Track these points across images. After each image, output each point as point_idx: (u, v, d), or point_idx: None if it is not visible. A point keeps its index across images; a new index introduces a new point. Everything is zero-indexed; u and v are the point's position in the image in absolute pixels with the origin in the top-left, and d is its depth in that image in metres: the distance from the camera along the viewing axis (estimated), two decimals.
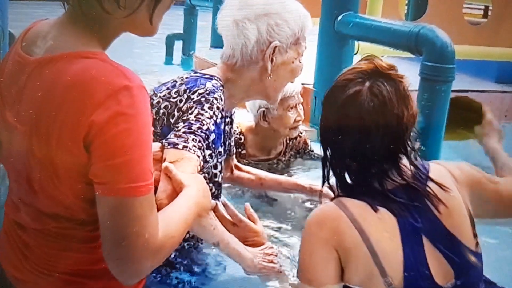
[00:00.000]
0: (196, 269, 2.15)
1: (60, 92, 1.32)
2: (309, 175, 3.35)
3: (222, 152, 2.18)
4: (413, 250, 1.67)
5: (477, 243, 1.76)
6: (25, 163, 1.42)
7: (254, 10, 2.13)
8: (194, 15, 9.23)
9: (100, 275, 1.47)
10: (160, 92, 2.10)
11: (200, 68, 2.25)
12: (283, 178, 2.88)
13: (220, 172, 2.17)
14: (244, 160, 3.20)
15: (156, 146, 1.88)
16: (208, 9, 8.14)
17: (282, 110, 3.28)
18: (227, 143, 2.32)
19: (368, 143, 1.71)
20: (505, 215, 1.91)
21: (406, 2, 9.14)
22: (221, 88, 2.09)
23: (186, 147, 1.89)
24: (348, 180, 1.80)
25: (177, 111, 2.01)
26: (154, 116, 2.04)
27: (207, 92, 2.01)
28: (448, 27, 4.25)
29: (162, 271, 2.09)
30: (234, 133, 2.53)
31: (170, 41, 9.31)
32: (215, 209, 1.96)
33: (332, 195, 1.86)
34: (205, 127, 1.95)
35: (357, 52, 4.98)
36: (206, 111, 1.98)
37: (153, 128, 2.00)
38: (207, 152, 1.97)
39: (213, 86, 2.04)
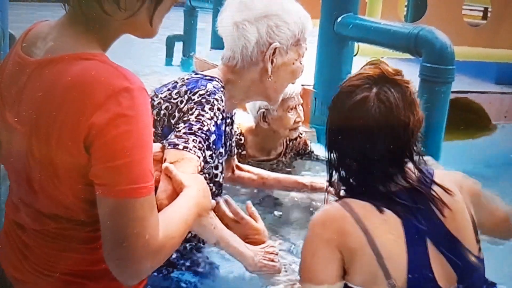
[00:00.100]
0: (198, 270, 2.16)
1: (60, 93, 1.32)
2: (309, 176, 3.34)
3: (223, 152, 2.18)
4: (417, 253, 1.67)
5: (479, 248, 1.76)
6: (25, 163, 1.42)
7: (254, 12, 2.13)
8: (194, 17, 9.23)
9: (100, 276, 1.48)
10: (161, 93, 2.10)
11: (200, 69, 2.25)
12: (283, 176, 2.88)
13: (221, 172, 2.17)
14: (245, 161, 3.20)
15: (156, 146, 1.89)
16: (208, 11, 8.15)
17: (282, 111, 3.28)
18: (228, 144, 2.32)
19: (374, 148, 1.71)
20: (497, 234, 1.92)
21: (406, 3, 9.15)
22: (222, 89, 2.09)
23: (187, 147, 1.89)
24: (353, 182, 1.80)
25: (178, 112, 2.02)
26: (155, 117, 2.05)
27: (208, 93, 2.02)
28: (448, 29, 4.24)
29: (163, 272, 2.09)
30: (234, 133, 2.54)
31: (170, 42, 9.31)
32: (217, 206, 1.96)
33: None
34: (205, 128, 1.95)
35: (357, 53, 4.99)
36: (207, 112, 1.98)
37: (153, 129, 2.01)
38: (208, 152, 1.97)
39: (214, 87, 2.05)
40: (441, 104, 3.58)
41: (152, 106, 2.06)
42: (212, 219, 1.87)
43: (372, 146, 1.72)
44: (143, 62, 8.08)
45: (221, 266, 2.17)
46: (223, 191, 2.30)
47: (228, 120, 2.29)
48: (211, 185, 2.10)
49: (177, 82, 2.12)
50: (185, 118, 1.98)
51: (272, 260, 2.01)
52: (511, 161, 4.72)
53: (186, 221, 1.56)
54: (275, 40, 2.14)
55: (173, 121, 2.01)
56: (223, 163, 2.20)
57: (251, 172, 2.77)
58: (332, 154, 1.82)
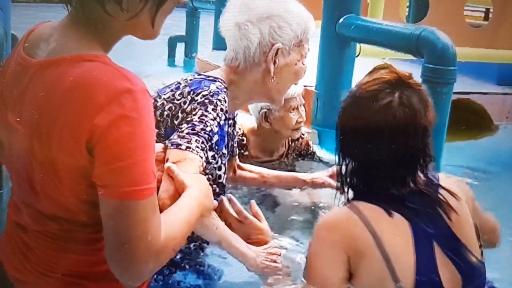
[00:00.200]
0: (201, 270, 2.16)
1: (62, 95, 1.32)
2: None
3: (226, 153, 2.18)
4: (425, 256, 1.67)
5: (481, 252, 1.77)
6: (27, 164, 1.42)
7: (256, 13, 2.13)
8: (196, 17, 9.23)
9: (102, 277, 1.48)
10: (164, 94, 2.10)
11: (202, 70, 2.25)
12: (284, 174, 2.88)
13: (224, 173, 2.17)
14: (247, 162, 3.20)
15: (158, 147, 1.89)
16: (209, 11, 8.15)
17: (284, 112, 3.28)
18: (230, 144, 2.33)
19: (396, 151, 1.71)
20: (485, 244, 1.93)
21: (407, 4, 9.15)
22: (225, 90, 2.09)
23: (189, 148, 1.90)
24: (365, 186, 1.79)
25: (181, 113, 2.02)
26: (158, 118, 2.05)
27: (211, 94, 2.02)
28: (449, 29, 4.25)
29: (165, 272, 2.09)
30: (236, 134, 2.54)
31: (172, 43, 9.32)
32: (220, 205, 1.96)
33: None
34: (208, 129, 1.96)
35: (359, 54, 4.99)
36: (210, 113, 1.98)
37: (157, 130, 2.02)
38: (210, 153, 1.98)
39: (217, 88, 2.05)
40: (443, 105, 3.57)
41: (155, 107, 2.07)
42: (214, 219, 1.87)
43: (394, 150, 1.72)
44: (145, 63, 8.07)
45: (225, 268, 2.17)
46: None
47: (231, 121, 2.29)
48: (214, 185, 2.10)
49: (180, 83, 2.12)
50: (188, 119, 1.98)
51: (275, 261, 2.00)
52: None
53: (188, 221, 1.55)
54: (277, 41, 2.15)
55: (176, 122, 2.02)
56: (226, 164, 2.20)
57: (252, 171, 2.77)
58: (345, 159, 1.81)
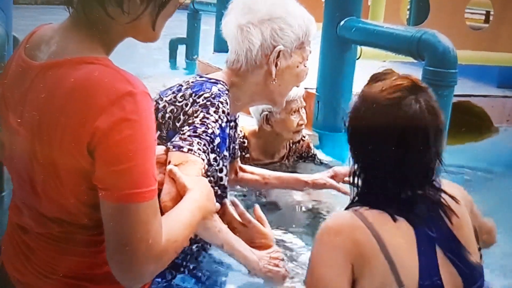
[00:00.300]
0: (202, 275, 2.15)
1: (63, 97, 1.32)
2: None
3: (228, 155, 2.18)
4: (428, 260, 1.66)
5: (480, 255, 1.77)
6: (28, 166, 1.42)
7: (258, 15, 2.14)
8: (197, 20, 9.25)
9: (103, 279, 1.48)
10: (166, 96, 2.10)
11: (203, 72, 2.26)
12: (285, 175, 2.87)
13: (226, 175, 2.17)
14: (248, 164, 3.20)
15: (160, 149, 1.89)
16: (210, 14, 8.16)
17: (285, 114, 3.28)
18: (231, 146, 2.33)
19: (419, 155, 1.72)
20: (482, 244, 1.93)
21: (408, 7, 9.16)
22: (227, 92, 2.09)
23: (191, 150, 1.90)
24: (374, 191, 1.79)
25: (183, 115, 2.02)
26: (160, 120, 2.05)
27: (213, 96, 2.02)
28: (450, 32, 4.25)
29: (167, 275, 2.09)
30: (238, 136, 2.54)
31: (173, 45, 9.33)
32: (223, 209, 1.96)
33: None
34: (210, 131, 1.96)
35: (360, 56, 5.00)
36: (212, 115, 1.98)
37: (159, 132, 2.02)
38: (212, 155, 1.98)
39: (218, 90, 2.05)
40: (443, 108, 3.53)
41: (157, 109, 2.07)
42: (216, 222, 1.87)
43: (419, 154, 1.72)
44: (146, 66, 8.09)
45: (227, 270, 2.17)
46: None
47: (232, 123, 2.29)
48: (216, 188, 2.09)
49: (182, 85, 2.12)
50: (190, 121, 1.98)
51: (277, 266, 2.00)
52: None
53: (189, 224, 1.55)
54: (279, 43, 2.15)
55: (178, 124, 2.02)
56: (228, 166, 2.20)
57: (254, 173, 2.76)
58: (360, 164, 1.80)
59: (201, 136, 1.93)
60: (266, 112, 3.31)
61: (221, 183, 2.15)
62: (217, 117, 1.99)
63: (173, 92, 2.10)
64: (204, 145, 1.93)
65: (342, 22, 4.69)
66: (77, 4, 1.41)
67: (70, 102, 1.31)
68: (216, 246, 1.93)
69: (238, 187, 2.82)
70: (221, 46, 6.74)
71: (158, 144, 1.98)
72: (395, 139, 1.70)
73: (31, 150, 1.38)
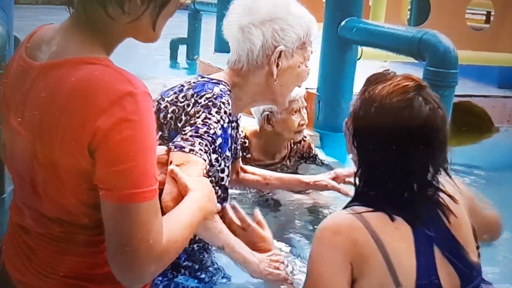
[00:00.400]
0: (203, 275, 2.15)
1: (64, 98, 1.32)
2: None
3: (229, 156, 2.18)
4: (426, 259, 1.67)
5: (478, 254, 1.77)
6: (29, 167, 1.42)
7: (259, 16, 2.14)
8: (198, 20, 9.25)
9: (104, 279, 1.48)
10: (168, 97, 2.10)
11: (204, 73, 2.26)
12: (286, 176, 2.88)
13: (227, 176, 2.16)
14: (249, 164, 3.21)
15: (161, 149, 1.89)
16: (211, 14, 8.16)
17: (286, 114, 3.28)
18: (233, 147, 2.33)
19: (425, 156, 1.72)
20: (486, 238, 1.92)
21: (409, 7, 9.16)
22: (229, 92, 2.09)
23: (193, 150, 1.90)
24: (376, 192, 1.78)
25: (185, 115, 2.02)
26: (162, 120, 2.05)
27: (215, 96, 2.02)
28: (451, 33, 4.26)
29: (168, 275, 2.09)
30: (239, 137, 2.54)
31: (174, 45, 9.34)
32: (224, 212, 1.96)
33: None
34: (212, 131, 1.96)
35: (360, 57, 5.00)
36: (214, 116, 1.99)
37: (160, 132, 2.02)
38: (213, 156, 1.98)
39: (220, 90, 2.05)
40: (444, 108, 3.58)
41: (159, 109, 2.07)
42: (217, 223, 1.86)
43: (427, 154, 1.72)
44: (147, 66, 8.09)
45: (228, 270, 2.16)
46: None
47: (234, 124, 2.29)
48: (217, 188, 2.09)
49: (183, 86, 2.12)
50: (191, 121, 1.98)
51: (278, 268, 1.99)
52: None
53: (190, 225, 1.55)
54: (280, 43, 2.15)
55: (179, 124, 2.02)
56: (229, 166, 2.20)
57: (255, 173, 2.77)
58: (367, 166, 1.80)
59: (203, 136, 1.94)
60: (267, 112, 3.30)
61: (222, 183, 2.15)
62: (219, 117, 1.99)
63: (175, 93, 2.10)
64: (206, 145, 1.93)
65: (343, 23, 4.70)
66: (77, 4, 1.41)
67: (71, 102, 1.31)
68: (217, 247, 1.92)
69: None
70: (222, 46, 6.74)
71: (160, 144, 1.98)
72: (406, 140, 1.70)
73: (32, 150, 1.38)
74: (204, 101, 2.01)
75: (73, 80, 1.32)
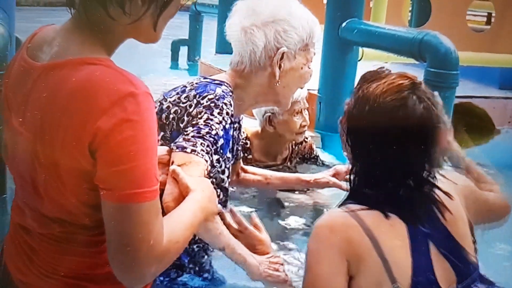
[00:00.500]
0: (205, 274, 2.15)
1: (65, 98, 1.32)
2: None
3: (230, 157, 2.18)
4: (421, 256, 1.67)
5: (475, 249, 1.78)
6: (30, 167, 1.42)
7: (261, 17, 2.14)
8: (199, 21, 9.24)
9: (104, 279, 1.47)
10: (170, 97, 2.11)
11: (206, 74, 2.26)
12: (287, 175, 2.88)
13: (228, 177, 2.17)
14: (250, 165, 3.22)
15: (162, 149, 1.90)
16: (212, 15, 8.16)
17: (287, 115, 3.28)
18: (234, 148, 2.33)
19: (421, 154, 1.72)
20: (495, 220, 1.92)
21: (410, 8, 9.15)
22: (231, 93, 2.10)
23: (195, 151, 1.90)
24: (372, 190, 1.79)
25: (187, 116, 2.02)
26: (164, 121, 2.06)
27: (217, 97, 2.03)
28: (452, 34, 4.26)
29: (171, 275, 2.10)
30: (241, 138, 2.55)
31: (175, 46, 9.32)
32: (222, 218, 1.96)
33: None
34: (214, 132, 1.96)
35: (361, 58, 5.00)
36: (216, 116, 1.99)
37: (162, 133, 2.03)
38: (215, 157, 1.98)
39: (223, 91, 2.06)
40: (445, 109, 3.58)
41: (161, 110, 2.08)
42: (218, 224, 1.87)
43: (424, 152, 1.72)
44: (148, 67, 8.08)
45: (229, 271, 2.17)
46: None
47: (236, 125, 2.30)
48: (218, 189, 2.10)
49: (186, 86, 2.12)
50: (193, 122, 1.99)
51: (277, 270, 2.00)
52: None
53: (191, 225, 1.55)
54: (282, 45, 2.15)
55: (181, 125, 2.02)
56: (230, 167, 2.21)
57: (255, 173, 2.77)
58: (361, 163, 1.80)
59: (205, 137, 1.94)
60: (269, 113, 3.31)
61: (223, 184, 2.15)
62: (221, 118, 2.00)
63: (177, 93, 2.11)
64: (208, 146, 1.93)
65: (344, 24, 4.69)
66: (78, 5, 1.41)
67: (72, 102, 1.31)
68: (217, 248, 1.92)
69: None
70: (223, 47, 6.74)
71: (162, 144, 1.99)
72: (400, 139, 1.70)
73: (33, 151, 1.38)
74: (207, 102, 2.02)
75: (74, 80, 1.32)
